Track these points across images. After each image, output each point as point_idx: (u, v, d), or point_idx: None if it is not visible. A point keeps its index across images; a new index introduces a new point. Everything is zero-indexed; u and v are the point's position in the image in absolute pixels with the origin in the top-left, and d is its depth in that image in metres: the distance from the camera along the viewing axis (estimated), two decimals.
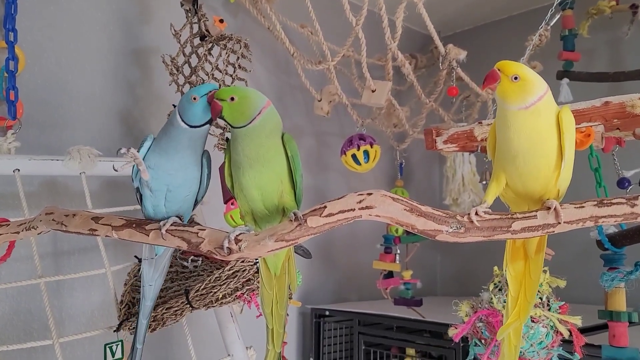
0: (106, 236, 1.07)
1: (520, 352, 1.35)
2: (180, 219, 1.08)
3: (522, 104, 0.89)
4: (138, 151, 1.07)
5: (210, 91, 1.04)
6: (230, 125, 1.01)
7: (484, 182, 2.19)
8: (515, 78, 0.89)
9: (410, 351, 2.10)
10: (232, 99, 0.99)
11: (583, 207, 0.84)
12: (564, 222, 0.84)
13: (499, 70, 0.91)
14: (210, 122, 1.06)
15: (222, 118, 1.00)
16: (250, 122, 0.99)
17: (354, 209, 0.89)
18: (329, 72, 1.86)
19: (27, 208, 1.47)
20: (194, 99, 1.04)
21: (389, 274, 2.16)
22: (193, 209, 1.17)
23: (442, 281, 3.04)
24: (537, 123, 0.89)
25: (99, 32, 1.86)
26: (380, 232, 2.22)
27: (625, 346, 1.38)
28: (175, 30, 1.69)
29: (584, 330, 1.44)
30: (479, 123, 1.42)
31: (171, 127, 1.07)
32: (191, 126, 1.05)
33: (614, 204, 0.82)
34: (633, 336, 1.41)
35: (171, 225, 1.03)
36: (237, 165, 1.01)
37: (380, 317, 2.13)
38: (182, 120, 1.05)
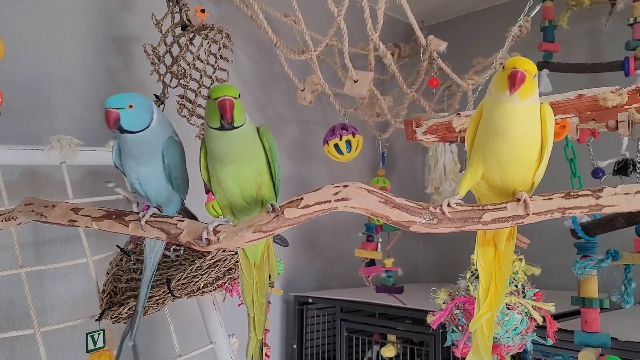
0: (86, 227, 1.08)
1: (496, 338, 1.39)
2: (159, 210, 1.09)
3: (533, 98, 0.90)
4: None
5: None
6: (230, 125, 0.96)
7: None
8: (534, 76, 0.90)
9: (392, 337, 2.14)
10: (240, 95, 0.97)
11: (551, 198, 0.87)
12: (533, 214, 0.87)
13: (524, 70, 0.89)
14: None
15: (230, 118, 0.95)
16: (245, 121, 0.99)
17: (330, 201, 0.91)
18: (312, 61, 1.86)
19: (7, 198, 1.47)
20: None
21: (371, 262, 2.19)
22: (184, 200, 1.20)
23: (425, 269, 3.09)
24: (533, 116, 0.91)
25: (78, 20, 1.85)
26: (362, 221, 2.25)
27: (597, 331, 1.42)
28: (156, 20, 1.69)
29: (557, 317, 1.49)
30: (457, 114, 1.44)
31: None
32: (131, 132, 1.04)
33: (580, 195, 0.85)
34: (604, 322, 1.45)
35: (151, 216, 1.04)
36: (216, 160, 1.00)
37: (362, 304, 2.17)
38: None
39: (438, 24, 3.01)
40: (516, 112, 0.90)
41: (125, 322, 1.47)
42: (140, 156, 1.07)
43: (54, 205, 1.12)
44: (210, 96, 0.95)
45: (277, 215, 0.92)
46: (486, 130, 0.95)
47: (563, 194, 0.86)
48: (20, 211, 1.16)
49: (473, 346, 1.11)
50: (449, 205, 0.90)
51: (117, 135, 1.07)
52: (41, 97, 1.75)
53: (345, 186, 0.91)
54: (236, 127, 0.96)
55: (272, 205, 0.93)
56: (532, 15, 1.98)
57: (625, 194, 0.82)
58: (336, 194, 0.90)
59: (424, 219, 0.89)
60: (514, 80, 0.87)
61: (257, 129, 1.03)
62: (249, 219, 0.95)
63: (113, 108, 1.00)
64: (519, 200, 0.89)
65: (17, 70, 1.71)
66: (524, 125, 0.91)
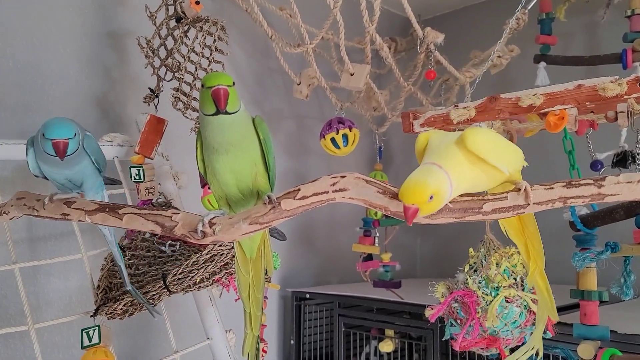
0: (79, 220, 1.06)
1: (495, 331, 1.38)
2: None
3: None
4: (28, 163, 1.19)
5: (55, 139, 1.09)
6: (225, 112, 0.95)
7: None
8: (431, 198, 0.84)
9: (390, 332, 2.13)
10: (234, 83, 0.97)
11: (552, 188, 0.86)
12: (534, 203, 0.86)
13: (412, 204, 0.84)
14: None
15: (224, 107, 0.95)
16: (240, 108, 0.98)
17: (328, 192, 0.89)
18: (308, 55, 1.84)
19: (1, 193, 1.46)
20: (43, 135, 1.10)
21: (368, 257, 2.18)
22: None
23: (422, 263, 3.08)
24: None
25: (72, 14, 1.82)
26: (360, 216, 2.24)
27: (596, 324, 1.42)
28: (150, 12, 1.67)
29: (556, 310, 1.48)
30: (455, 106, 1.42)
31: (36, 142, 1.14)
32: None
33: (582, 184, 0.84)
34: (603, 314, 1.45)
35: (140, 209, 1.03)
36: (211, 150, 0.99)
37: (360, 300, 2.15)
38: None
39: (435, 17, 3.00)
40: None
41: (120, 318, 1.45)
42: (64, 164, 1.14)
43: (50, 199, 1.11)
44: (204, 84, 0.94)
45: (274, 207, 0.90)
46: None
47: (564, 183, 0.85)
48: (12, 205, 1.14)
49: (539, 302, 1.18)
50: None
51: (37, 146, 1.13)
52: (35, 92, 1.73)
53: (343, 177, 0.90)
54: (230, 113, 0.95)
55: (268, 197, 0.92)
56: (529, 8, 1.96)
57: (627, 182, 0.81)
58: (334, 184, 0.89)
59: None
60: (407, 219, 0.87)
61: (253, 120, 1.01)
62: (245, 211, 0.94)
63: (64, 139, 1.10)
64: (519, 190, 0.87)
65: (10, 65, 1.69)
66: None
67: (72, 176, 1.17)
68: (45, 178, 1.21)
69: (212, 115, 0.95)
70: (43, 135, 1.10)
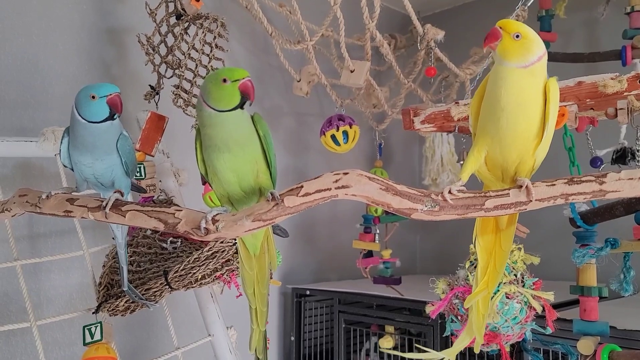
0: (82, 217, 1.06)
1: (495, 327, 1.39)
2: (121, 194, 1.12)
3: (522, 62, 0.89)
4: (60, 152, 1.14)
5: (111, 93, 1.06)
6: (235, 107, 0.97)
7: (462, 162, 2.21)
8: (517, 36, 0.89)
9: (390, 329, 2.14)
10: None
11: (554, 185, 0.86)
12: (536, 200, 0.86)
13: (500, 28, 0.91)
14: (111, 118, 1.08)
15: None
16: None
17: (331, 189, 0.89)
18: (308, 52, 1.84)
19: (2, 191, 1.46)
20: (93, 97, 1.05)
21: (369, 254, 2.19)
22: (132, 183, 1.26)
23: (422, 260, 3.09)
24: (529, 84, 0.89)
25: (71, 10, 1.82)
26: (360, 212, 2.24)
27: (596, 320, 1.43)
28: (150, 9, 1.66)
29: (556, 306, 1.49)
30: (455, 103, 1.43)
31: (73, 121, 1.09)
32: (90, 122, 1.07)
33: (583, 181, 0.84)
34: (603, 310, 1.45)
35: (143, 206, 1.03)
36: (213, 149, 0.98)
37: (360, 296, 2.16)
38: (80, 116, 1.07)
39: (435, 14, 3.00)
40: (513, 76, 0.90)
41: (122, 315, 1.46)
42: (99, 148, 1.09)
43: (48, 196, 1.11)
44: (228, 78, 0.94)
45: (277, 204, 0.90)
46: (488, 96, 0.94)
47: (566, 180, 0.85)
48: (14, 202, 1.14)
49: (467, 323, 1.10)
50: (450, 192, 0.89)
51: (77, 128, 1.08)
52: (34, 88, 1.73)
53: (346, 173, 0.90)
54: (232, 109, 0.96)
55: (271, 194, 0.92)
56: (528, 5, 1.96)
57: (629, 179, 0.81)
58: (336, 181, 0.89)
59: (426, 206, 0.88)
60: (485, 37, 0.90)
61: (252, 117, 1.01)
62: (248, 208, 0.94)
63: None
64: (521, 186, 0.88)
65: (9, 61, 1.68)
66: (522, 90, 0.89)
67: (102, 172, 1.11)
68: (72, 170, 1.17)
69: (231, 110, 0.95)
70: (93, 97, 1.04)
